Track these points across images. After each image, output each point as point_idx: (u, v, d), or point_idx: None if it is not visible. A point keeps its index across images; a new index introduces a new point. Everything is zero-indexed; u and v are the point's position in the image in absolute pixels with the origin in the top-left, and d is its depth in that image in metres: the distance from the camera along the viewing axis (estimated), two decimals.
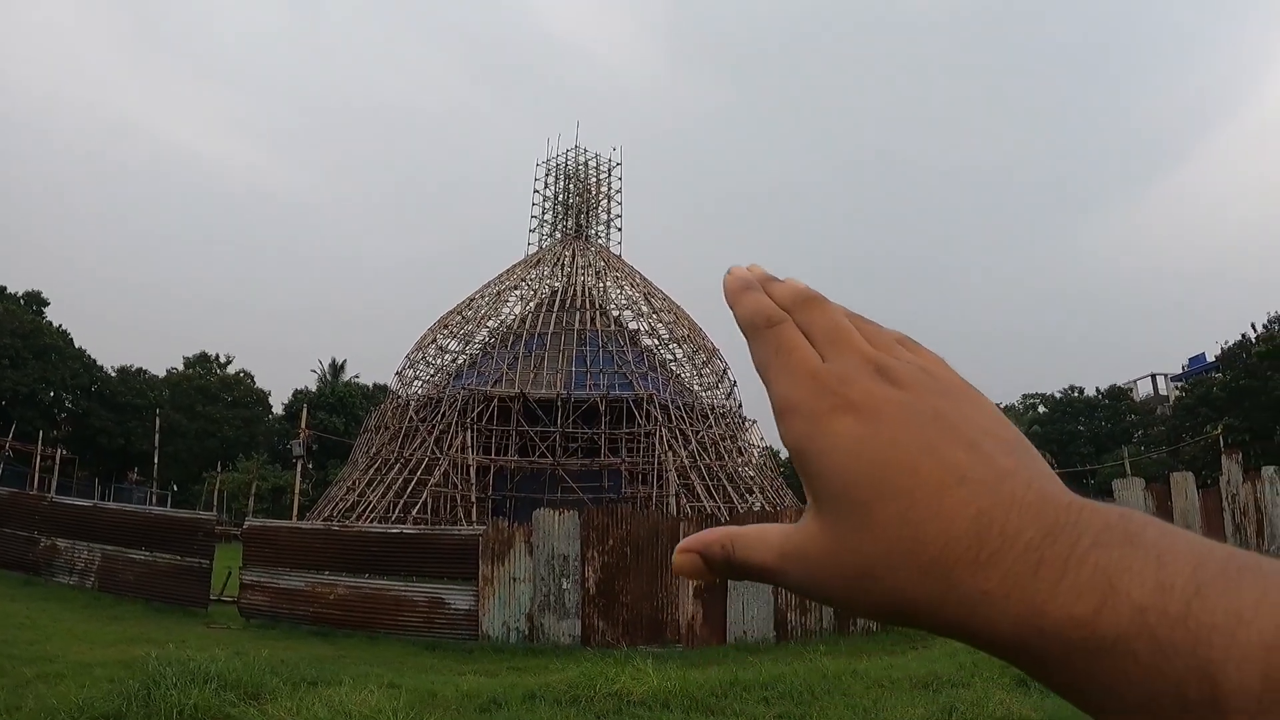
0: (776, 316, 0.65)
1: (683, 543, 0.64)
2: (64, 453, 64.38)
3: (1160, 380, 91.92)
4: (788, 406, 0.61)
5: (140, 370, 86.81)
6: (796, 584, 0.59)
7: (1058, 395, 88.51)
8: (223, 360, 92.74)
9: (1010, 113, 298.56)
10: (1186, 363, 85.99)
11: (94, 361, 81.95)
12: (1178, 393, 78.38)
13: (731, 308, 0.68)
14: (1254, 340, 63.35)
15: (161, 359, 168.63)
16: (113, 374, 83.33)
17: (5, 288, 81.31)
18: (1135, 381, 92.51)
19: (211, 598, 23.75)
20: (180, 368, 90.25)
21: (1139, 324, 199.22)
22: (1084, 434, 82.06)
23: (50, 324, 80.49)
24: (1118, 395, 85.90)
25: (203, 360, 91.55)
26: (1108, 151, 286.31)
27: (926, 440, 0.56)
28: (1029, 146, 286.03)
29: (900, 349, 0.65)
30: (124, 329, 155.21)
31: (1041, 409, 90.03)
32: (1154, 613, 0.47)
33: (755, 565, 0.61)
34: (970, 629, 0.52)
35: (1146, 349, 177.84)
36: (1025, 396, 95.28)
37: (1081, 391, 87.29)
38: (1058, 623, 0.49)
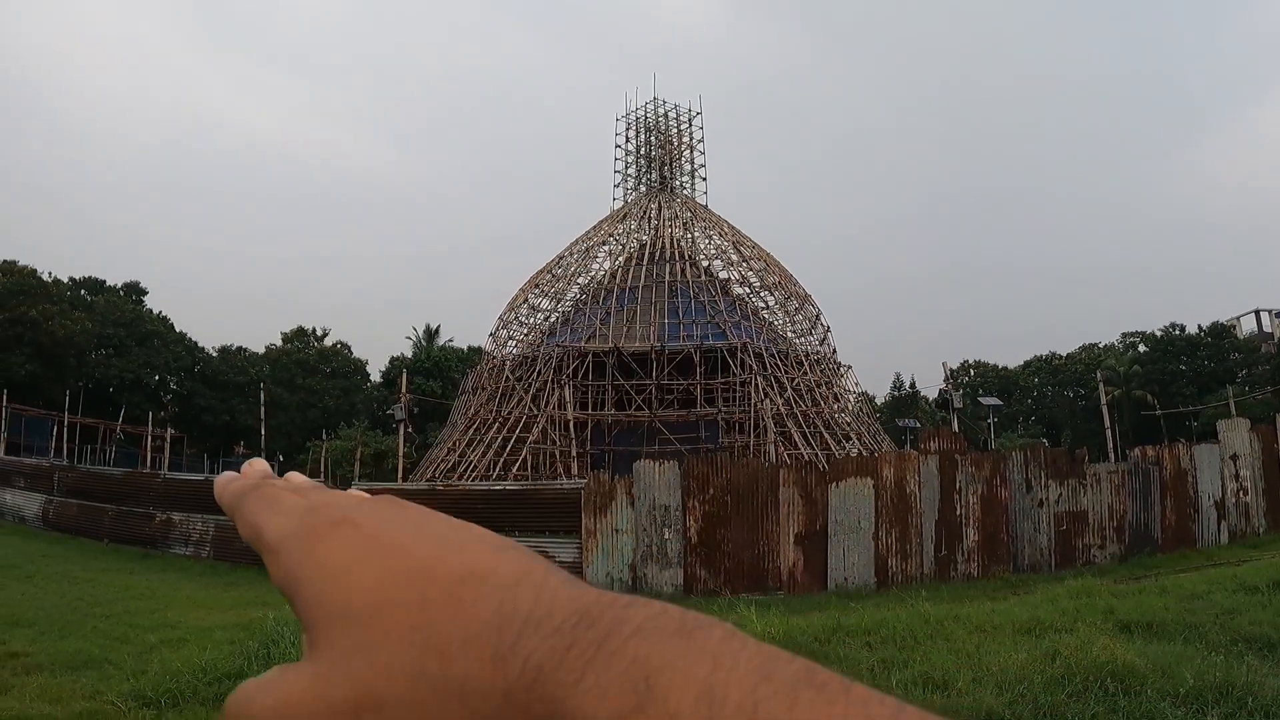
0: (257, 479, 0.67)
1: None
2: (172, 432, 66.48)
3: (1265, 316, 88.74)
4: (280, 537, 0.57)
5: (240, 349, 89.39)
6: None
7: (1158, 334, 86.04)
8: (319, 333, 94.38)
9: (1108, 24, 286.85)
10: None
11: (195, 344, 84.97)
12: None
13: (220, 497, 0.68)
14: None
15: (260, 336, 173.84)
16: (214, 354, 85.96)
17: (105, 280, 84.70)
18: (1239, 318, 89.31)
19: None
20: (279, 343, 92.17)
21: (1242, 254, 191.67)
22: (1186, 374, 79.99)
23: (150, 311, 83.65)
24: (1220, 333, 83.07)
25: (300, 335, 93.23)
26: (1226, 56, 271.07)
27: (434, 539, 0.52)
28: (1132, 57, 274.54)
29: None
30: (224, 311, 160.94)
31: (1142, 348, 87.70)
32: None
33: None
34: None
35: (1250, 282, 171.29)
36: (1125, 335, 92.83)
37: (1183, 329, 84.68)
38: None
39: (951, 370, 69.49)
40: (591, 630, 0.42)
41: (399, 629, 0.46)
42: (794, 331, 54.40)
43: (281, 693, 0.49)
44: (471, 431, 50.06)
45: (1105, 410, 50.26)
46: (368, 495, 0.61)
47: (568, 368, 47.99)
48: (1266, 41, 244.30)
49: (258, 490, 0.63)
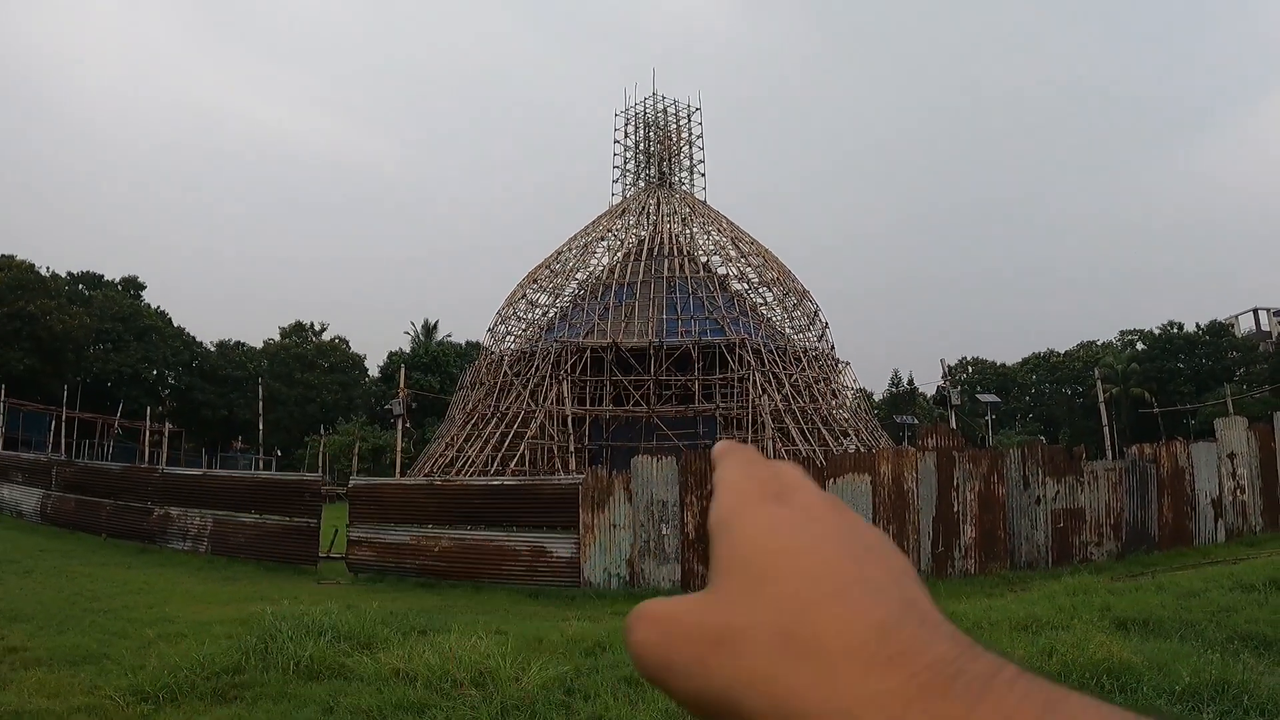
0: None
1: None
2: (171, 427, 66.56)
3: (1263, 315, 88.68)
4: (728, 483, 0.62)
5: (239, 343, 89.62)
6: (649, 650, 0.52)
7: (1156, 332, 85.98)
8: (318, 328, 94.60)
9: (1110, 28, 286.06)
10: None
11: (193, 339, 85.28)
12: None
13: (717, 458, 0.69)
14: None
15: (259, 331, 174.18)
16: (212, 349, 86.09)
17: (103, 275, 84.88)
18: (1237, 316, 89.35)
19: (320, 555, 24.40)
20: (277, 338, 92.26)
21: (1240, 254, 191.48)
22: (1184, 372, 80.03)
23: (149, 306, 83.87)
24: (1218, 331, 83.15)
25: (298, 329, 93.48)
26: (1225, 60, 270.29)
27: (850, 550, 0.54)
28: (1131, 63, 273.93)
29: None
30: (221, 305, 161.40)
31: (1140, 346, 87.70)
32: None
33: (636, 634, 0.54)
34: None
35: (1248, 282, 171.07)
36: (1123, 333, 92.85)
37: (1181, 328, 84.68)
38: None
39: (950, 367, 69.54)
40: (977, 663, 0.46)
41: (784, 595, 0.50)
42: (792, 327, 54.42)
43: (675, 603, 0.54)
44: (469, 427, 50.06)
45: (1103, 408, 50.30)
46: (839, 501, 0.61)
47: (566, 363, 48.00)
48: (1265, 44, 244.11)
49: (743, 450, 0.67)
